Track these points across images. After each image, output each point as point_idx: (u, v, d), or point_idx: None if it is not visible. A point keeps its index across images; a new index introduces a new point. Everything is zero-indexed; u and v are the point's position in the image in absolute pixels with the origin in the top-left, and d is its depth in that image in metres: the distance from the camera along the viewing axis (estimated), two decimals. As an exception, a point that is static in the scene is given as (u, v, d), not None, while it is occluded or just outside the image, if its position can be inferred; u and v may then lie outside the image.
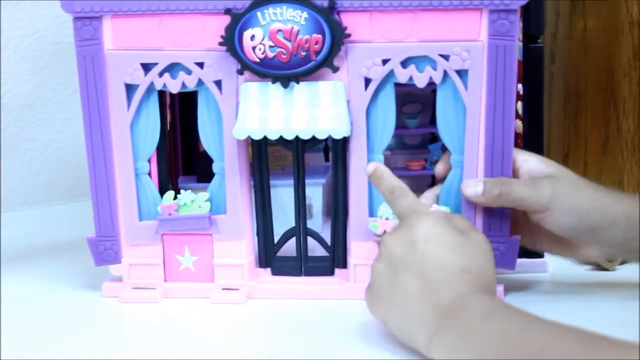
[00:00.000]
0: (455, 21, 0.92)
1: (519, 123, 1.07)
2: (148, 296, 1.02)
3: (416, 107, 1.28)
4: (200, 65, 0.98)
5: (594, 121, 1.25)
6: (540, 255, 1.07)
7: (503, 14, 0.91)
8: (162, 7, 0.97)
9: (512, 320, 0.72)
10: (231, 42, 0.95)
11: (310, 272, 1.02)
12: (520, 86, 1.06)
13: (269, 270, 1.03)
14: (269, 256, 1.03)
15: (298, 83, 0.96)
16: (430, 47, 0.93)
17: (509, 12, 0.91)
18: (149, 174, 1.03)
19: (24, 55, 1.34)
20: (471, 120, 0.94)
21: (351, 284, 1.00)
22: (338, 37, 0.93)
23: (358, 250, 0.99)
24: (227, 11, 0.95)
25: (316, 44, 0.94)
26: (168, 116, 1.10)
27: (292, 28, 0.94)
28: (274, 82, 0.96)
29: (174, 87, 0.99)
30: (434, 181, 1.27)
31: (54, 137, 1.39)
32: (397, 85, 0.96)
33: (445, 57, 0.93)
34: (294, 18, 0.94)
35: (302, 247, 1.02)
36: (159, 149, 1.03)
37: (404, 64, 0.94)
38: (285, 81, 0.95)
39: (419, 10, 0.93)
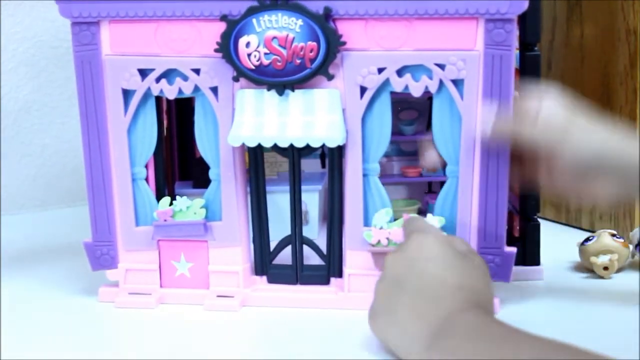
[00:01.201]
0: (451, 30, 0.92)
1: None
2: (143, 302, 1.02)
3: (412, 114, 1.29)
4: (197, 71, 0.98)
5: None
6: (536, 263, 1.07)
7: (499, 24, 0.90)
8: (158, 13, 0.97)
9: (495, 342, 0.72)
10: (226, 48, 0.95)
11: (306, 281, 1.02)
12: (516, 94, 1.05)
13: (265, 278, 1.03)
14: (264, 264, 1.02)
15: (293, 91, 0.95)
16: (425, 56, 0.93)
17: (505, 22, 0.90)
18: (147, 179, 1.03)
19: (22, 59, 1.34)
20: (467, 130, 0.93)
21: (345, 293, 0.99)
22: (333, 45, 0.93)
23: (353, 259, 0.98)
24: (223, 18, 0.95)
25: (311, 51, 0.93)
26: (165, 122, 1.10)
27: (287, 35, 0.93)
28: (269, 90, 0.96)
29: (170, 93, 0.99)
30: (430, 188, 1.30)
31: (51, 141, 1.39)
32: (393, 91, 0.95)
33: (441, 67, 0.93)
34: (289, 25, 0.93)
35: (297, 255, 1.02)
36: (156, 154, 1.03)
37: (400, 72, 0.94)
38: (281, 89, 0.95)
39: (415, 18, 0.92)
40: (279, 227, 1.04)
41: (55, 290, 1.07)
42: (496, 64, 0.91)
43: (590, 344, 0.69)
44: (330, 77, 0.94)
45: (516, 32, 0.92)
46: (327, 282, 1.01)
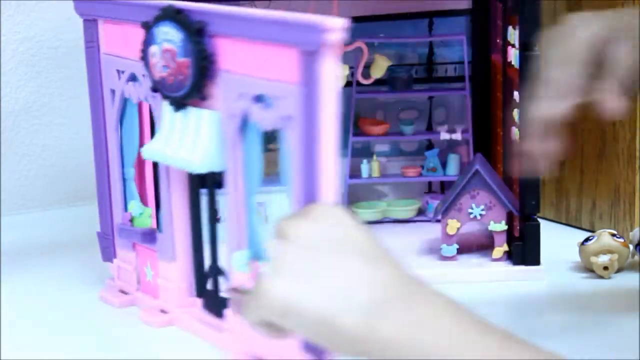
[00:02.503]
0: (275, 59, 0.77)
1: (516, 130, 1.05)
2: (115, 301, 1.03)
3: (412, 114, 1.28)
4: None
5: (590, 129, 1.22)
6: (536, 263, 1.07)
7: (312, 56, 0.74)
8: (119, 15, 0.97)
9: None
10: (144, 57, 0.92)
11: (219, 313, 0.94)
12: (516, 93, 1.04)
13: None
14: (199, 286, 0.97)
15: (183, 107, 0.89)
16: (264, 85, 0.80)
17: (317, 55, 0.73)
18: (145, 179, 1.03)
19: (22, 59, 1.36)
20: (289, 168, 0.78)
21: (225, 334, 0.90)
22: (203, 64, 0.85)
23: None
24: (144, 24, 0.91)
25: (187, 68, 0.86)
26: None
27: (172, 49, 0.87)
28: (170, 104, 0.90)
29: (134, 96, 0.98)
30: (430, 187, 1.31)
31: (51, 142, 1.38)
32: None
33: (269, 98, 0.79)
34: (174, 39, 0.87)
35: (215, 286, 0.94)
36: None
37: (257, 99, 0.82)
38: (174, 104, 0.89)
39: (258, 42, 0.79)
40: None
41: (55, 290, 1.10)
42: (309, 101, 0.75)
43: (590, 344, 0.74)
44: (203, 98, 0.86)
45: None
46: (236, 318, 0.92)
